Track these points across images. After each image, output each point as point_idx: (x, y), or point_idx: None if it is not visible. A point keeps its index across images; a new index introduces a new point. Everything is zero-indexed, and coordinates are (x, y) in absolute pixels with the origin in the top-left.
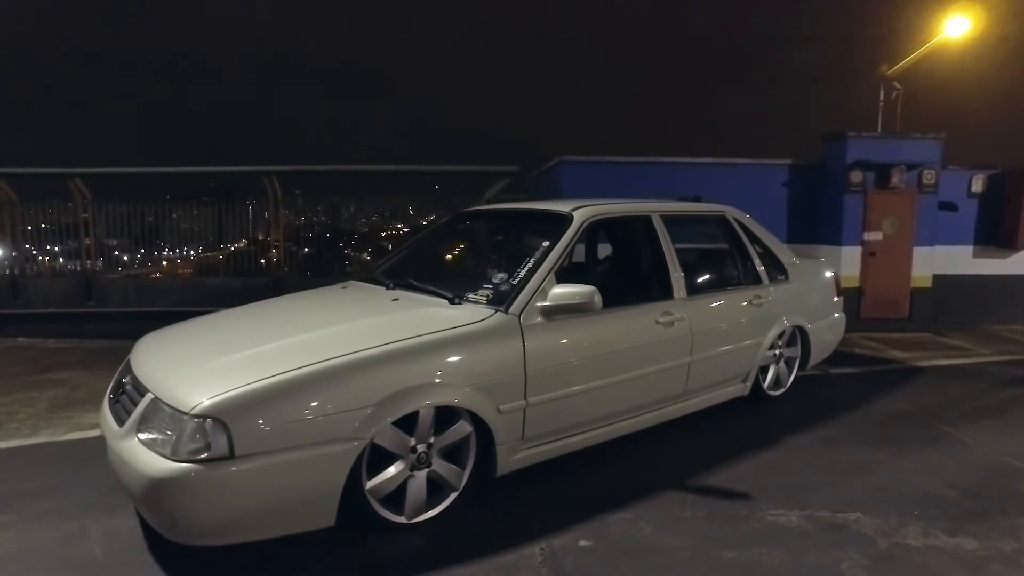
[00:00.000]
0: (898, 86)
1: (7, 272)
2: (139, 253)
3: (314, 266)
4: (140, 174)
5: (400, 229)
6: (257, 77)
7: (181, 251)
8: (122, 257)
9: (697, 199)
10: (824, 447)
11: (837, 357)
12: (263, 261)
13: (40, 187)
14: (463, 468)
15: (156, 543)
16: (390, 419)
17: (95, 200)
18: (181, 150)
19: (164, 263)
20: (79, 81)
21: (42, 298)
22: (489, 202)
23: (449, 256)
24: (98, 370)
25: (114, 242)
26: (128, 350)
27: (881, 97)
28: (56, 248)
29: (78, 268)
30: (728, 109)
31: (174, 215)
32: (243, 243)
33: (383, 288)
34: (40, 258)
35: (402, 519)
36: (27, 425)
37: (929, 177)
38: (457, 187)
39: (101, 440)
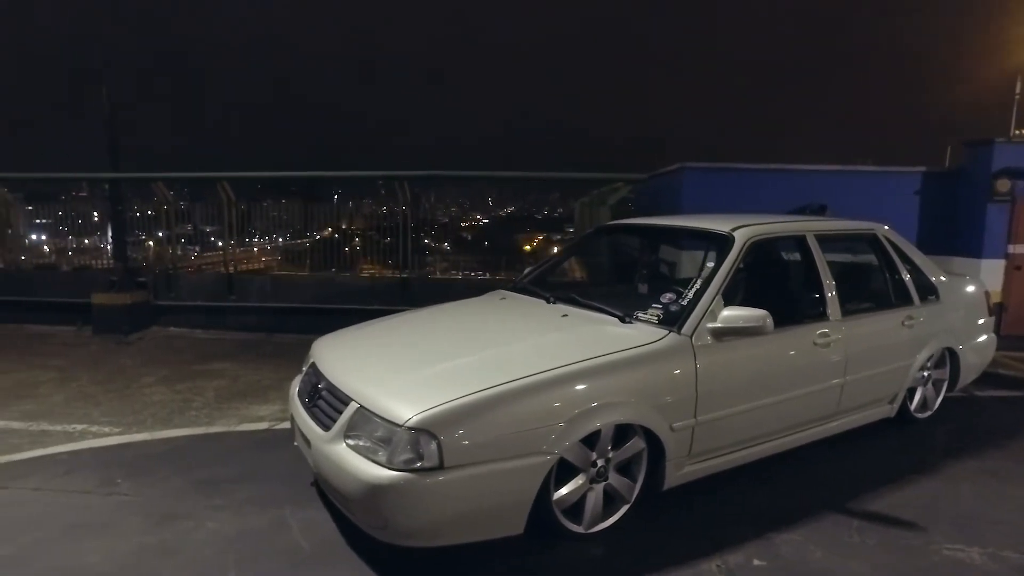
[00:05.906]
0: None
1: (161, 268)
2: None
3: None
4: (278, 178)
5: (479, 220)
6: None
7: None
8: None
9: (823, 208)
10: (990, 478)
11: (981, 378)
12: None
13: (191, 189)
14: (634, 481)
15: (352, 537)
16: (578, 436)
17: (239, 201)
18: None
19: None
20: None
21: (189, 291)
22: (612, 208)
23: (595, 270)
24: (247, 362)
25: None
26: (265, 343)
27: (1017, 89)
28: (201, 244)
29: (219, 263)
30: (821, 110)
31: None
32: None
33: (543, 301)
34: (189, 254)
35: (580, 529)
36: (204, 414)
37: None
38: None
39: (271, 433)
